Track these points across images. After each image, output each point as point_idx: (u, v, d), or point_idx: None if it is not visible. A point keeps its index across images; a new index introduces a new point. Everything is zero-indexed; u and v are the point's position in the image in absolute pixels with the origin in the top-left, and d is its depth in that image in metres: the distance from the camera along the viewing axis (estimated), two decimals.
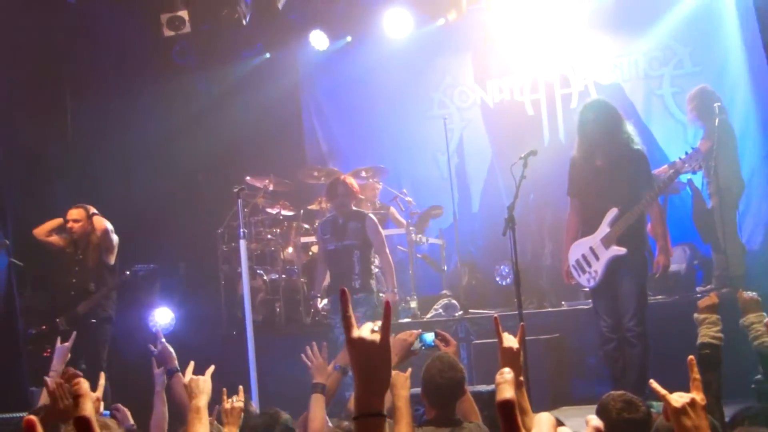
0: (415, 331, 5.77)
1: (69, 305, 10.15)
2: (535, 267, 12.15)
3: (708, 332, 5.06)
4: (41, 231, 10.45)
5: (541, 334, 9.80)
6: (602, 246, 8.34)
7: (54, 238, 10.46)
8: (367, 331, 2.47)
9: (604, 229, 8.34)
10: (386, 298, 10.13)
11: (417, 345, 5.67)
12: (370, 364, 2.47)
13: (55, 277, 10.63)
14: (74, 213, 10.24)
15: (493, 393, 6.85)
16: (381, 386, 2.49)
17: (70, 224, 10.24)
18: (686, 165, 8.37)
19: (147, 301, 11.77)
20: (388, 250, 10.19)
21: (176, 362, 5.95)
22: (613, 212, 8.30)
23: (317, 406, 5.55)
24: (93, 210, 10.27)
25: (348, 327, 2.47)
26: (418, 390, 5.26)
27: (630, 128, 8.63)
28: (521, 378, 4.19)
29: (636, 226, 8.34)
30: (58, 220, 10.46)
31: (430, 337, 5.70)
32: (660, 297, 10.22)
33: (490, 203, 13.35)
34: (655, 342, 8.41)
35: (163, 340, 6.11)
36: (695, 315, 5.25)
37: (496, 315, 4.51)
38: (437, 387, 5.18)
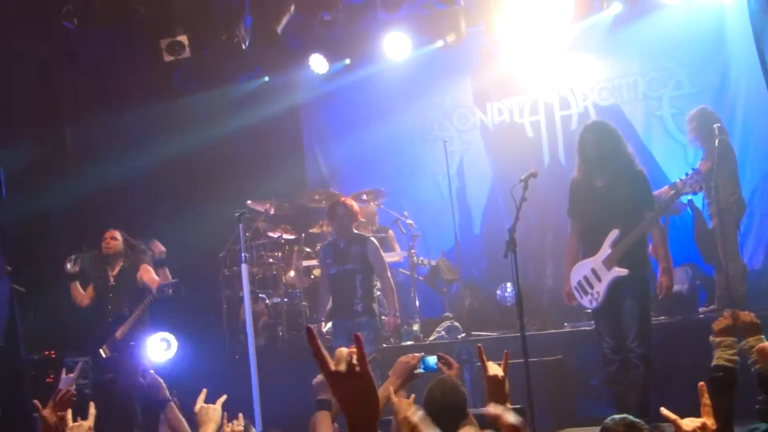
0: (417, 354, 5.74)
1: (107, 332, 10.19)
2: (537, 288, 12.15)
3: (723, 355, 5.01)
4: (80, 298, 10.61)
5: (544, 356, 9.78)
6: (604, 267, 8.34)
7: (84, 296, 10.58)
8: (342, 363, 2.39)
9: (605, 250, 8.34)
10: (388, 321, 10.13)
11: (420, 368, 5.64)
12: (355, 395, 2.40)
13: (91, 306, 10.70)
14: (113, 232, 10.45)
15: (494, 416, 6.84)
16: (371, 416, 2.41)
17: (107, 241, 10.39)
18: (687, 186, 8.37)
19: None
20: (389, 274, 10.20)
21: (167, 392, 5.89)
22: (614, 233, 8.31)
23: (323, 425, 5.47)
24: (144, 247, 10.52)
25: (321, 363, 2.38)
26: None
27: (630, 149, 8.67)
28: (507, 404, 4.19)
29: (637, 247, 8.35)
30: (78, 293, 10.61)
31: (432, 360, 5.66)
32: (662, 318, 10.20)
33: (491, 225, 13.36)
34: (658, 363, 8.41)
35: (152, 371, 6.05)
36: (711, 338, 5.20)
37: (480, 345, 4.50)
38: (439, 410, 5.15)
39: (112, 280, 10.36)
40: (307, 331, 2.41)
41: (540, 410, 8.12)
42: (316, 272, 11.98)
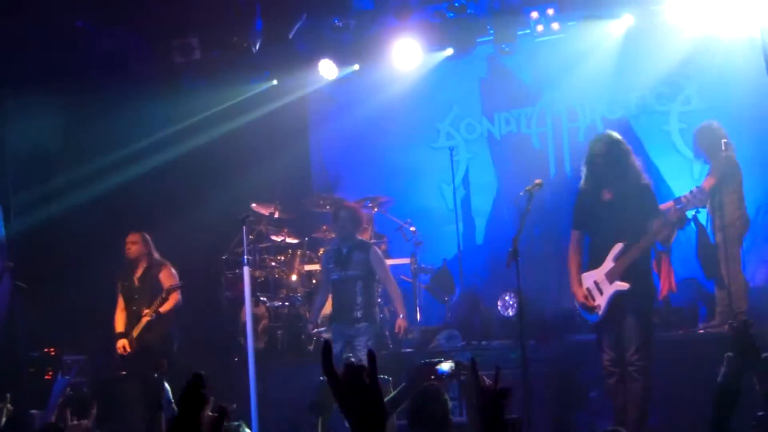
0: (433, 360, 5.79)
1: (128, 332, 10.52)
2: (539, 299, 12.10)
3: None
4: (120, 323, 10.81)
5: (544, 367, 9.77)
6: (606, 281, 8.32)
7: (120, 313, 10.83)
8: (350, 371, 2.46)
9: (608, 263, 8.32)
10: (398, 323, 10.12)
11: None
12: (357, 403, 2.45)
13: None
14: (132, 236, 10.79)
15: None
16: (376, 427, 2.46)
17: (127, 246, 10.74)
18: (689, 202, 8.35)
19: None
20: (392, 278, 10.22)
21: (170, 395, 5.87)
22: (617, 247, 8.28)
23: None
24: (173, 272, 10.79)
25: (328, 372, 2.47)
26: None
27: (637, 163, 8.64)
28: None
29: (640, 261, 8.33)
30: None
31: (445, 366, 5.69)
32: (662, 333, 10.17)
33: (495, 236, 13.35)
34: (657, 377, 8.39)
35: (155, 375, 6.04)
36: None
37: (474, 358, 4.51)
38: (422, 418, 5.20)
39: (136, 282, 10.70)
40: (324, 345, 2.55)
41: (538, 422, 8.12)
42: (319, 277, 11.95)
